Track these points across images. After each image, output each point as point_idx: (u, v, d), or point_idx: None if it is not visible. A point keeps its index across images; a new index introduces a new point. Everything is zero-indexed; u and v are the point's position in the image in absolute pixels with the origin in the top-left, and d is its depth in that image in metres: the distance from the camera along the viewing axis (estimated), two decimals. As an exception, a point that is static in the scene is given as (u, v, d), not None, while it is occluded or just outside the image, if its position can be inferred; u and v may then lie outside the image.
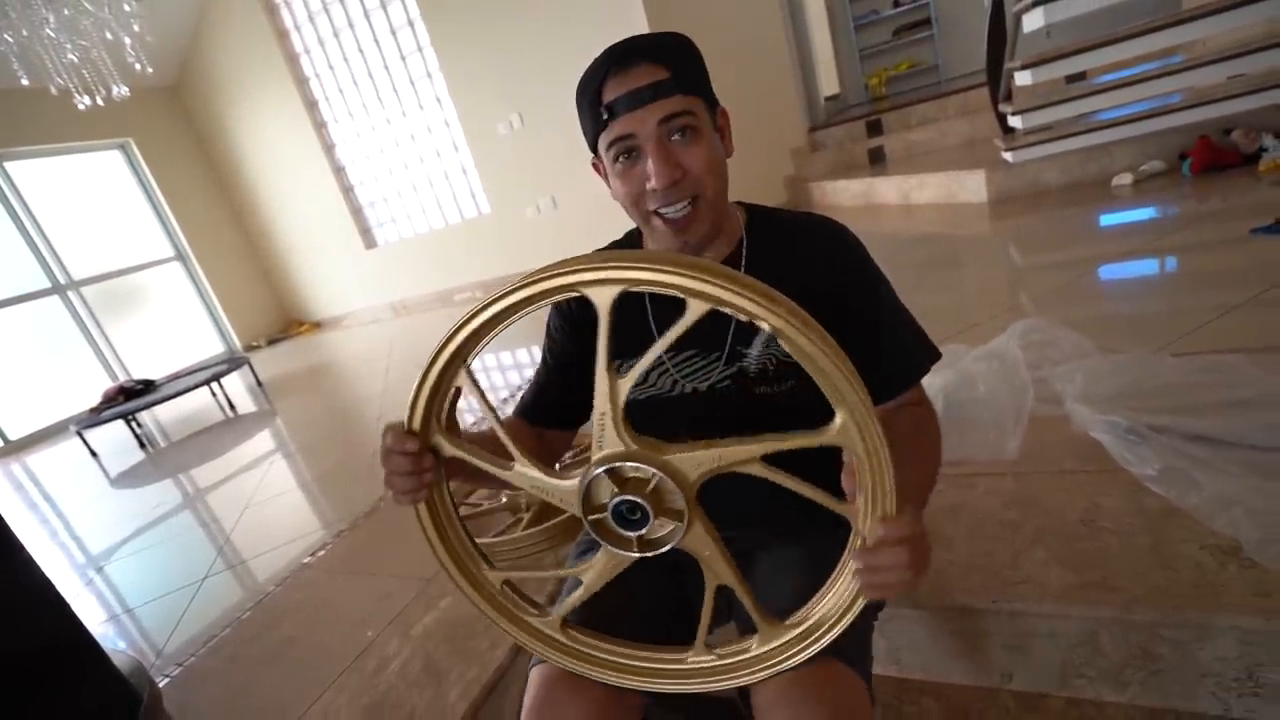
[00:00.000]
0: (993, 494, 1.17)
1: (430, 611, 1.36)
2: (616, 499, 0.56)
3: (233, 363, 4.46)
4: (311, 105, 5.76)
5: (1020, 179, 3.17)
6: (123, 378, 5.54)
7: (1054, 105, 2.84)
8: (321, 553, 1.78)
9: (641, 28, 4.01)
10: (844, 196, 4.21)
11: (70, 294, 5.62)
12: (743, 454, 0.56)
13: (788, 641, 0.62)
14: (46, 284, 5.50)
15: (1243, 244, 1.95)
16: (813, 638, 0.61)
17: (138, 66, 3.68)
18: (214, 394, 4.47)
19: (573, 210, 4.98)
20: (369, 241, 6.17)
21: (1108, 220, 2.64)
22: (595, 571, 0.64)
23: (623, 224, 0.84)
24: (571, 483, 0.59)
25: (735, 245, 0.79)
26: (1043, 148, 2.97)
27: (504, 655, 1.16)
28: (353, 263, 6.29)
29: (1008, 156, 3.08)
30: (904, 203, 3.81)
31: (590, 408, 0.79)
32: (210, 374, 4.14)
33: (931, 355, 0.80)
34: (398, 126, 5.50)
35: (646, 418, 0.83)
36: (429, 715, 1.05)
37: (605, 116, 0.69)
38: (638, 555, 0.59)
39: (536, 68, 4.53)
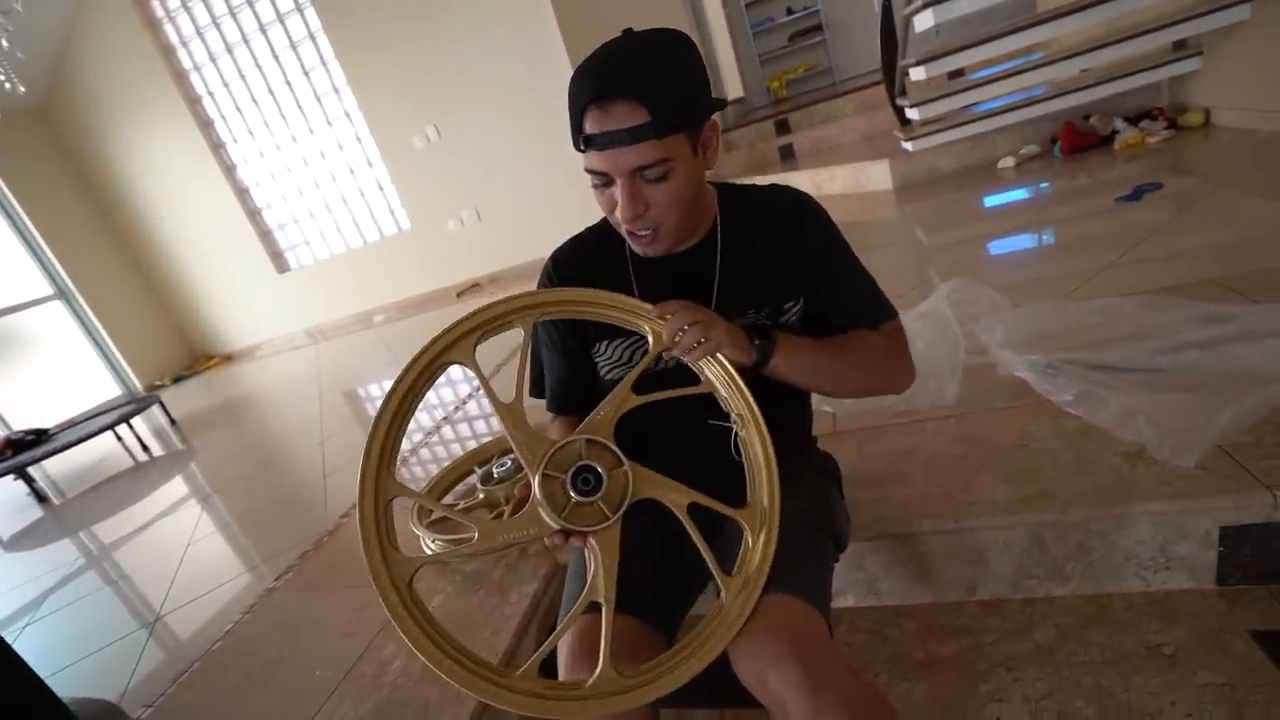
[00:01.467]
0: (940, 434, 1.31)
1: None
2: (572, 469, 0.67)
3: (140, 402, 4.13)
4: (206, 125, 5.43)
5: (919, 166, 3.47)
6: (2, 431, 4.99)
7: (945, 97, 3.14)
8: (289, 575, 1.71)
9: (552, 31, 4.07)
10: (761, 192, 4.43)
11: (-69, 343, 5.00)
12: (672, 497, 0.72)
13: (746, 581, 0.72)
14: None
15: (1109, 212, 2.25)
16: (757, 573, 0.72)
17: (7, 86, 3.36)
18: (120, 439, 4.13)
19: (497, 220, 4.96)
20: (280, 265, 5.88)
21: (996, 199, 2.95)
22: (507, 528, 0.68)
23: (548, 233, 0.92)
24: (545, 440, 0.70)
25: (710, 228, 0.86)
26: (936, 137, 3.27)
27: (509, 639, 1.18)
28: (264, 289, 5.96)
29: (907, 146, 3.37)
30: (818, 193, 4.03)
31: (600, 389, 0.91)
32: (117, 416, 3.82)
33: (887, 307, 0.90)
34: (305, 144, 5.29)
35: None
36: (444, 704, 1.06)
37: (583, 147, 0.73)
38: (610, 519, 0.67)
39: (451, 77, 4.50)
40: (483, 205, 4.95)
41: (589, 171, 0.74)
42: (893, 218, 3.29)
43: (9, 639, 1.12)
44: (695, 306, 0.76)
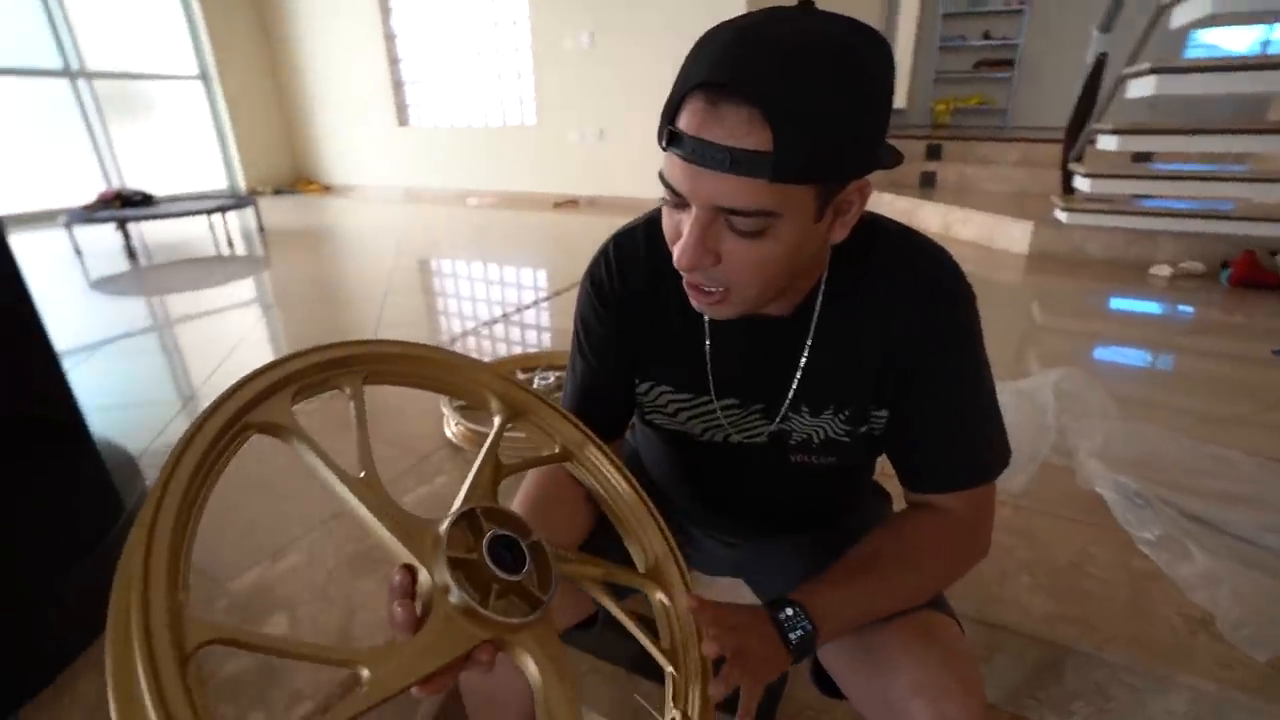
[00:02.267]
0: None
1: (422, 485, 1.37)
2: (488, 536, 0.47)
3: (240, 201, 4.32)
4: (379, -40, 5.48)
5: (1064, 242, 3.20)
6: (117, 184, 5.33)
7: (1123, 178, 2.86)
8: (313, 405, 1.76)
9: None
10: (886, 210, 4.21)
11: (80, 82, 5.32)
12: (587, 575, 0.57)
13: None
14: (57, 65, 5.20)
15: (1262, 362, 2.02)
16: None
17: None
18: (211, 227, 4.34)
19: (617, 145, 4.88)
20: (402, 119, 5.98)
21: (1134, 303, 2.70)
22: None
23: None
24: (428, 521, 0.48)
25: (810, 293, 0.61)
26: (1097, 217, 3.00)
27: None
28: (379, 136, 6.10)
29: (1061, 216, 3.11)
30: (944, 232, 3.83)
31: (632, 410, 0.75)
32: (216, 205, 4.01)
33: (992, 465, 0.63)
34: (461, 9, 5.27)
35: (677, 451, 0.79)
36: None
37: (665, 144, 0.49)
38: (547, 599, 0.48)
39: (624, -11, 4.37)
40: (609, 125, 4.87)
41: (662, 181, 0.51)
42: (1013, 283, 3.07)
43: (82, 367, 1.18)
44: (735, 624, 0.57)
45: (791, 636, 0.57)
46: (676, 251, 0.52)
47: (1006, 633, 0.99)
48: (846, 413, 0.65)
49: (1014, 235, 3.38)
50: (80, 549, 0.97)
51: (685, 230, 0.51)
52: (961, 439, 0.63)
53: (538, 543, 0.50)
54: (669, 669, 0.53)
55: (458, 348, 2.30)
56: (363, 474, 0.48)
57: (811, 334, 0.63)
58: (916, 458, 0.65)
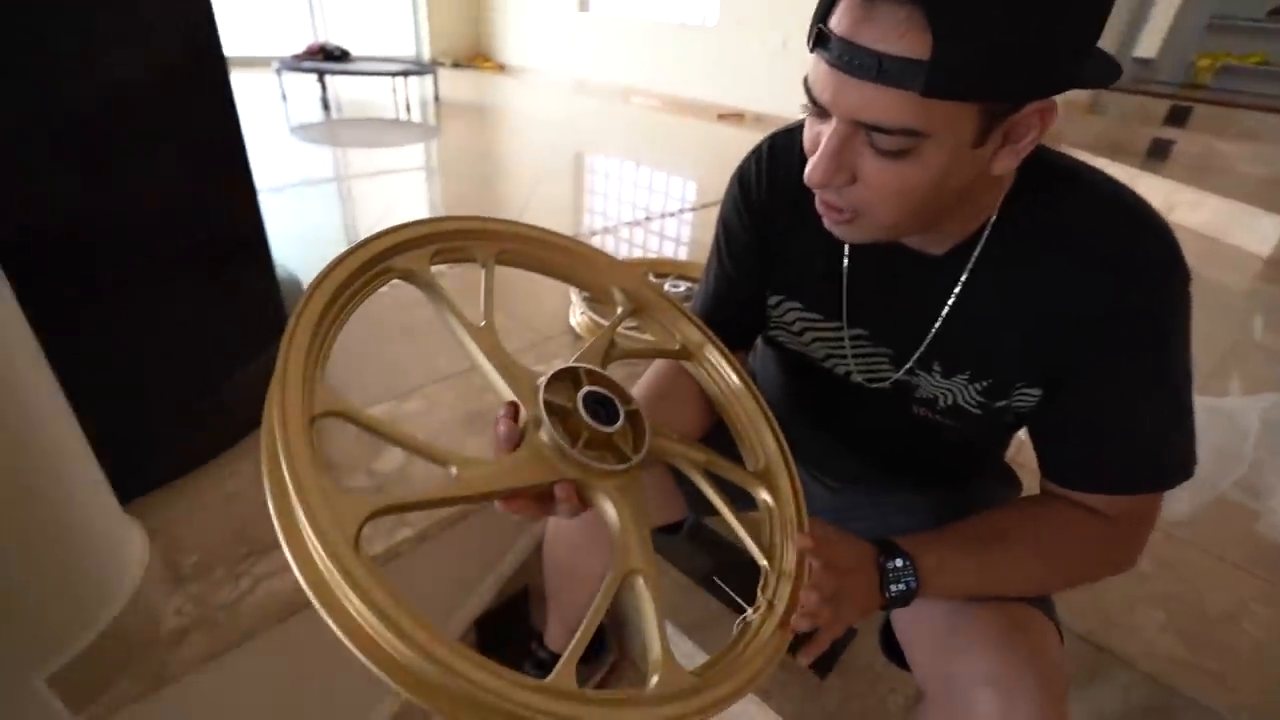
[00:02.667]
0: (1132, 540, 1.07)
1: (539, 363, 1.43)
2: (583, 391, 0.49)
3: (423, 69, 4.53)
4: None
5: (1324, 250, 2.60)
6: (323, 38, 5.75)
7: None
8: (457, 270, 1.88)
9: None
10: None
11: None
12: (690, 459, 0.55)
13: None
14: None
15: None
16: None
17: None
18: (394, 90, 4.61)
19: (796, 61, 4.51)
20: (584, 4, 5.86)
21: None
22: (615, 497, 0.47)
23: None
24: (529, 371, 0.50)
25: (970, 236, 0.53)
26: (1384, 227, 2.38)
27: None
28: (558, 18, 6.05)
29: (1331, 218, 2.50)
30: (1165, 213, 3.23)
31: (763, 323, 0.71)
32: (402, 69, 4.24)
33: (1162, 475, 0.54)
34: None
35: (794, 377, 0.75)
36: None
37: (812, 44, 0.43)
38: (637, 458, 0.48)
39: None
40: (794, 34, 4.49)
41: (805, 86, 0.46)
42: (1239, 287, 2.56)
43: (270, 201, 1.31)
44: (842, 565, 0.53)
45: (893, 588, 0.54)
46: (809, 166, 0.47)
47: (1116, 661, 0.89)
48: (985, 383, 0.57)
49: (1258, 231, 2.78)
50: (246, 356, 1.11)
51: (822, 143, 0.45)
52: (1132, 438, 0.53)
53: (636, 410, 0.51)
54: (763, 563, 0.51)
55: (593, 243, 2.32)
56: (483, 323, 0.52)
57: (962, 281, 0.54)
58: (1070, 450, 0.56)
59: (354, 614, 0.33)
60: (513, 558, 1.14)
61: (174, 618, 0.76)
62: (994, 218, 0.52)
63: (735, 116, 4.93)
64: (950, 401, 0.60)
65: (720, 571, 1.08)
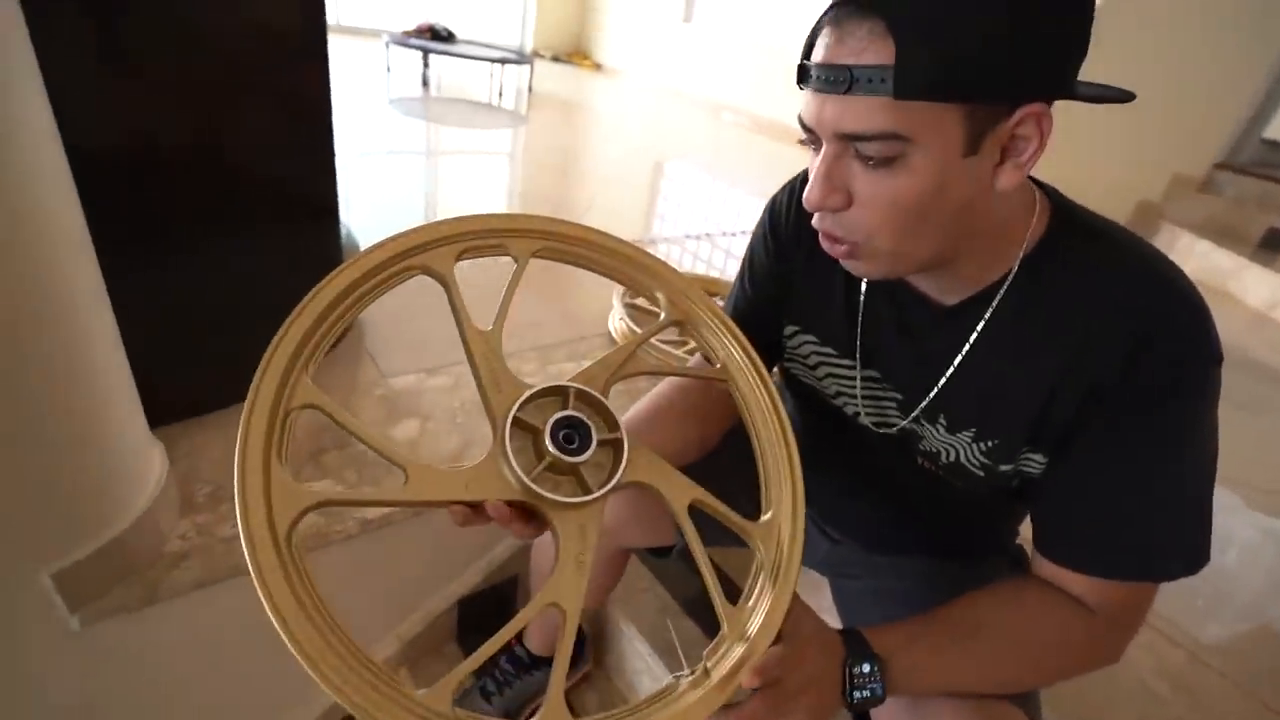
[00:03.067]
0: (1151, 653, 0.99)
1: (569, 361, 1.45)
2: (553, 418, 0.46)
3: (522, 59, 4.66)
4: None
5: None
6: (433, 18, 6.00)
7: None
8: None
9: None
10: (1195, 262, 3.37)
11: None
12: (674, 493, 0.51)
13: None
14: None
15: None
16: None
17: None
18: (491, 76, 4.76)
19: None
20: (688, 14, 5.91)
21: None
22: (566, 530, 0.46)
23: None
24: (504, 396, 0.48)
25: (999, 275, 0.50)
26: None
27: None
28: (660, 25, 6.11)
29: None
30: (1265, 311, 2.99)
31: (779, 351, 0.69)
32: (502, 57, 4.37)
33: (1156, 564, 0.49)
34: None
35: (805, 414, 0.73)
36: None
37: (798, 80, 0.46)
38: (597, 494, 0.46)
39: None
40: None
41: (799, 123, 0.48)
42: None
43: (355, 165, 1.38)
44: (804, 662, 0.49)
45: (856, 695, 0.51)
46: (805, 191, 0.47)
47: (1109, 781, 0.82)
48: (989, 444, 0.55)
49: (1372, 346, 2.53)
50: (291, 308, 1.17)
51: (814, 166, 0.46)
52: (1129, 518, 0.49)
53: (618, 440, 0.49)
54: (724, 624, 0.48)
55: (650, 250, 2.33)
56: (490, 328, 0.51)
57: (975, 335, 0.53)
58: (1061, 519, 0.53)
59: (267, 607, 0.37)
60: (507, 545, 1.15)
61: (177, 541, 0.81)
62: (1015, 270, 0.50)
63: (820, 145, 4.85)
64: (953, 458, 0.58)
65: (695, 601, 1.06)
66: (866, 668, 0.51)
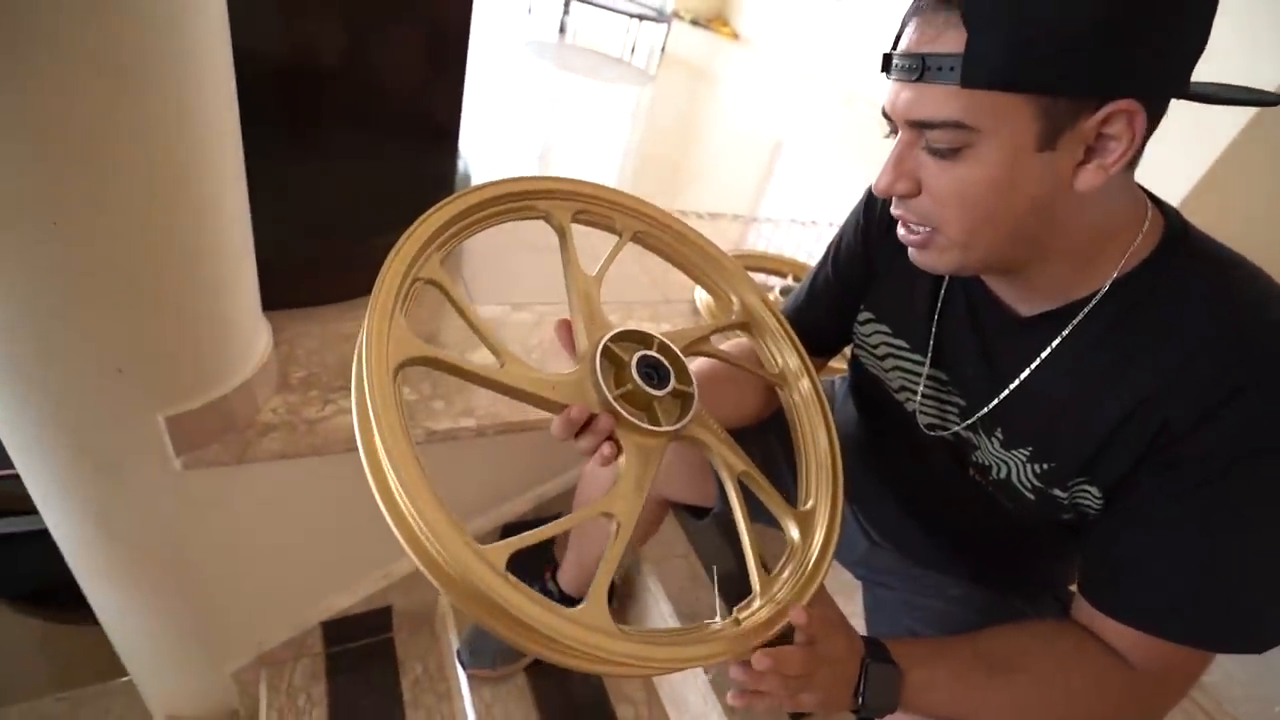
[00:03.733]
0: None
1: (658, 320, 1.46)
2: (638, 355, 0.52)
3: (660, 17, 4.60)
4: None
5: None
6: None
7: None
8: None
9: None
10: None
11: None
12: (726, 461, 0.55)
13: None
14: None
15: None
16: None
17: None
18: (627, 31, 4.73)
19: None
20: (843, -10, 5.61)
21: None
22: (634, 459, 0.50)
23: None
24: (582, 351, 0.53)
25: (1090, 290, 0.47)
26: None
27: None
28: (808, 1, 5.85)
29: None
30: None
31: (848, 338, 0.71)
32: (639, 13, 4.33)
33: (1213, 632, 0.45)
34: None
35: (864, 405, 0.73)
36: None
37: (882, 68, 0.46)
38: (667, 428, 0.51)
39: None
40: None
41: (882, 112, 0.48)
42: None
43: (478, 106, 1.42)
44: (826, 654, 0.48)
45: (866, 695, 0.50)
46: (875, 180, 0.49)
47: None
48: (1044, 466, 0.52)
49: None
50: (404, 223, 1.24)
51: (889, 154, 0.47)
52: (1189, 574, 0.44)
53: (690, 393, 0.54)
54: (756, 585, 0.51)
55: (753, 232, 2.29)
56: (593, 273, 0.58)
57: (1050, 350, 0.50)
58: (1107, 561, 0.49)
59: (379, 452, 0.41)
60: (558, 483, 1.19)
61: (269, 413, 0.90)
62: (1104, 289, 0.47)
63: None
64: (1004, 475, 0.55)
65: (726, 570, 1.07)
66: (885, 669, 0.50)
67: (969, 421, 0.57)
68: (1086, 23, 0.36)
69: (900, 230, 0.51)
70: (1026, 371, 0.51)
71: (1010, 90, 0.39)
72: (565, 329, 0.54)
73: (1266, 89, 0.40)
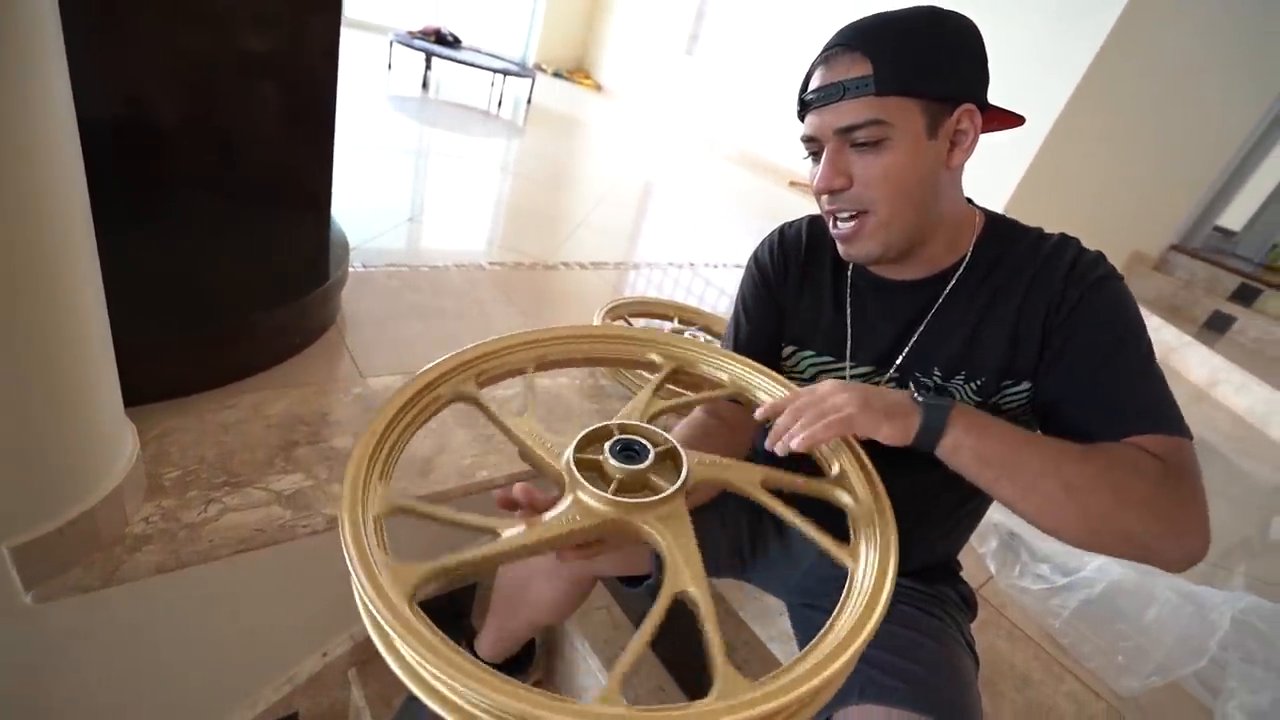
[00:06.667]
0: (1074, 702, 1.05)
1: (548, 377, 1.47)
2: (610, 440, 0.54)
3: (524, 72, 4.72)
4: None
5: (1362, 466, 2.51)
6: (440, 21, 6.04)
7: None
8: (498, 269, 1.95)
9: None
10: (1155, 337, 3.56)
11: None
12: (742, 478, 0.55)
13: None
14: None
15: None
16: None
17: None
18: (492, 85, 4.81)
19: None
20: (690, 47, 6.06)
21: None
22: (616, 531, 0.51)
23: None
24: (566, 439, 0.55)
25: (956, 259, 0.67)
26: None
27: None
28: (661, 56, 6.25)
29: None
30: (1205, 388, 3.17)
31: (777, 370, 0.77)
32: (504, 68, 4.42)
33: (1172, 419, 0.55)
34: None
35: None
36: (502, 451, 1.16)
37: (800, 110, 0.64)
38: (672, 489, 0.51)
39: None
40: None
41: (803, 142, 0.65)
42: (1265, 481, 2.49)
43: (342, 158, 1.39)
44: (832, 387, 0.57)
45: (919, 396, 0.56)
46: (816, 181, 0.63)
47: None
48: (978, 383, 0.66)
49: (1297, 429, 2.71)
50: (280, 298, 1.18)
51: (822, 162, 0.62)
52: (1136, 391, 0.58)
53: (671, 448, 0.55)
54: (844, 561, 0.50)
55: (632, 275, 2.38)
56: (525, 413, 0.58)
57: (947, 290, 0.67)
58: (1081, 411, 0.59)
59: (411, 662, 0.39)
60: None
61: (140, 524, 0.81)
62: (969, 252, 0.67)
63: (805, 187, 4.99)
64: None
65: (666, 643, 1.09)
66: (933, 396, 0.56)
67: (894, 366, 0.69)
68: (946, 56, 0.60)
69: (832, 228, 0.66)
70: (934, 309, 0.67)
71: (905, 95, 0.58)
72: (523, 492, 0.52)
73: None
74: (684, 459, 0.53)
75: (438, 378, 0.58)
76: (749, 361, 0.69)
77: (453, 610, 1.19)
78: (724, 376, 0.69)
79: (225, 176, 1.23)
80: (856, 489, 0.55)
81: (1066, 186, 3.70)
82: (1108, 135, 3.61)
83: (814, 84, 0.61)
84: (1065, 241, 0.64)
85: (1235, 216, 5.03)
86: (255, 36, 1.10)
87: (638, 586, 0.84)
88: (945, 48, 0.60)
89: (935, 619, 0.71)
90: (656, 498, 0.50)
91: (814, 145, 0.64)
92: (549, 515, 0.49)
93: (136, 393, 0.92)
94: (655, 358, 0.70)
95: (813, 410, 0.54)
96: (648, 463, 0.52)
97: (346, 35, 1.19)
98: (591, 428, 0.55)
